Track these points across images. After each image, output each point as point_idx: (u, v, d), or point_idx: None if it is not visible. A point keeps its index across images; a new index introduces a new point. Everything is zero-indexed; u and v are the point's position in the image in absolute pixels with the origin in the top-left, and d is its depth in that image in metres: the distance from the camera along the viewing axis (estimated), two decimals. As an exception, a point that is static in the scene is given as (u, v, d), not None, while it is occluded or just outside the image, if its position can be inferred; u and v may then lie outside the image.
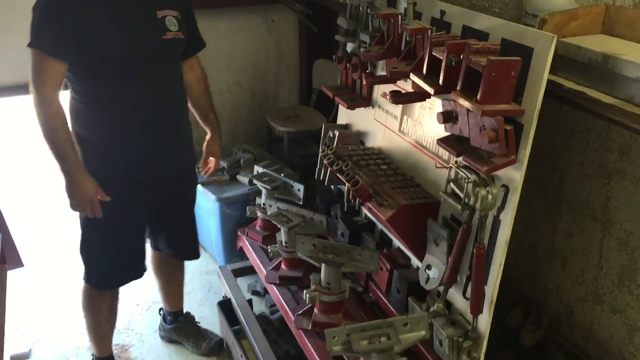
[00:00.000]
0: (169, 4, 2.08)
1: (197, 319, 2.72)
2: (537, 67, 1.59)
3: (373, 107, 2.41)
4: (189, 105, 2.35)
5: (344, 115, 2.65)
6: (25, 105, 2.18)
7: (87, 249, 2.24)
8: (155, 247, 2.50)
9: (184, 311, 2.72)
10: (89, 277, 2.28)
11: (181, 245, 2.49)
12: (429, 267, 1.99)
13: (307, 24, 3.28)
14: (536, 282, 2.26)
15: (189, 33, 2.19)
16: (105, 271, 2.27)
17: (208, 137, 2.51)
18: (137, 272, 2.33)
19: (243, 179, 2.97)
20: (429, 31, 1.88)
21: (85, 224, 2.21)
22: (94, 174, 2.08)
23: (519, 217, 2.24)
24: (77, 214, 2.16)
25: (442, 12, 1.97)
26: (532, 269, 2.27)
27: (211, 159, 2.52)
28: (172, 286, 2.64)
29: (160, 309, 2.72)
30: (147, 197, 2.22)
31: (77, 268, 2.31)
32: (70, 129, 2.07)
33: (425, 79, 1.84)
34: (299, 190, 2.68)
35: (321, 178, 2.49)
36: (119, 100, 2.04)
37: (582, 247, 2.03)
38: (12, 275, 2.19)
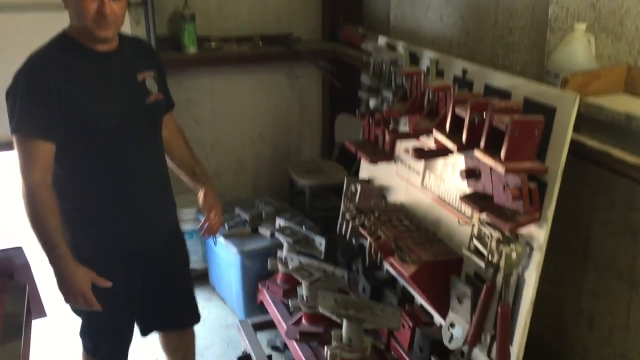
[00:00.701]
0: (146, 65, 2.03)
1: (215, 374, 2.68)
2: (560, 126, 1.60)
3: (395, 162, 2.43)
4: (173, 165, 2.24)
5: (367, 169, 2.67)
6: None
7: (92, 330, 2.13)
8: (160, 328, 2.34)
9: None
10: (95, 353, 2.16)
11: (184, 312, 2.34)
12: (452, 325, 1.96)
13: (331, 80, 3.35)
14: (562, 342, 2.20)
15: (165, 91, 2.12)
16: (115, 349, 2.17)
17: (200, 193, 2.21)
18: (127, 355, 2.22)
19: (265, 231, 2.99)
20: (452, 89, 1.91)
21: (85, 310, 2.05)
22: (91, 250, 1.97)
23: (544, 275, 2.22)
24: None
25: (464, 71, 2.01)
26: (558, 329, 2.22)
27: (212, 213, 2.22)
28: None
29: None
30: (144, 266, 2.11)
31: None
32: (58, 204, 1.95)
33: (448, 136, 1.86)
34: (320, 244, 2.68)
35: (343, 232, 2.50)
36: (108, 171, 1.96)
37: (609, 308, 1.99)
38: (34, 324, 2.20)
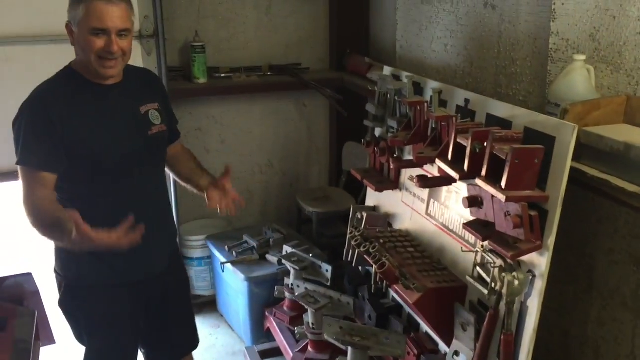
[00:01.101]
0: (149, 98, 2.04)
1: (222, 402, 2.68)
2: (559, 155, 1.62)
3: (401, 190, 2.45)
4: (180, 181, 2.26)
5: (373, 197, 2.70)
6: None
7: (94, 356, 2.11)
8: (161, 356, 2.31)
9: None
10: None
11: (185, 339, 2.33)
12: (456, 353, 1.96)
13: (338, 109, 3.40)
14: (569, 372, 2.20)
15: (169, 122, 2.12)
16: None
17: (209, 181, 2.21)
18: None
19: (272, 258, 3.01)
20: (454, 119, 1.95)
21: (90, 335, 2.08)
22: (93, 282, 1.99)
23: (549, 303, 2.22)
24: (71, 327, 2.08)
25: (467, 101, 2.05)
26: (564, 357, 2.21)
27: (227, 188, 2.18)
28: None
29: None
30: (145, 295, 2.11)
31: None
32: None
33: (450, 164, 1.89)
34: (327, 271, 2.69)
35: (349, 259, 2.52)
36: (110, 202, 1.95)
37: (615, 336, 1.99)
38: (42, 351, 2.23)
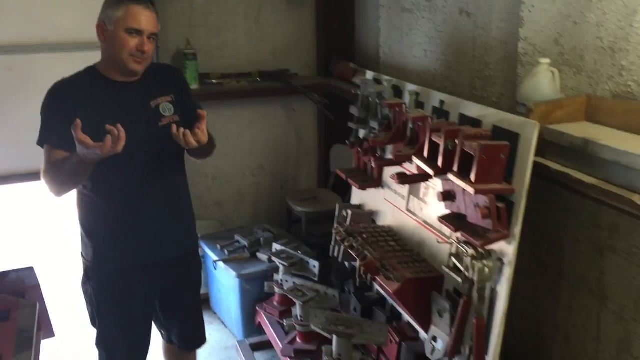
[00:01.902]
0: (162, 92, 2.17)
1: (215, 394, 2.80)
2: (523, 151, 1.76)
3: (383, 188, 2.58)
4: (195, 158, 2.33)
5: (357, 195, 2.83)
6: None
7: (106, 340, 2.28)
8: (168, 340, 2.49)
9: None
10: None
11: (191, 335, 2.48)
12: (434, 338, 2.09)
13: (325, 113, 3.53)
14: (542, 357, 2.32)
15: (187, 112, 2.18)
16: (126, 357, 2.30)
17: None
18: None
19: (263, 256, 3.13)
20: (429, 119, 2.08)
21: (100, 316, 2.24)
22: (106, 263, 2.17)
23: (523, 293, 2.36)
24: (87, 312, 2.27)
25: (442, 102, 2.18)
26: (537, 344, 2.34)
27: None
28: None
29: None
30: (157, 280, 2.26)
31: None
32: (79, 222, 2.19)
33: (426, 161, 2.02)
34: (314, 266, 2.82)
35: (335, 255, 2.64)
36: (122, 189, 2.12)
37: (582, 322, 2.11)
38: (43, 344, 2.33)
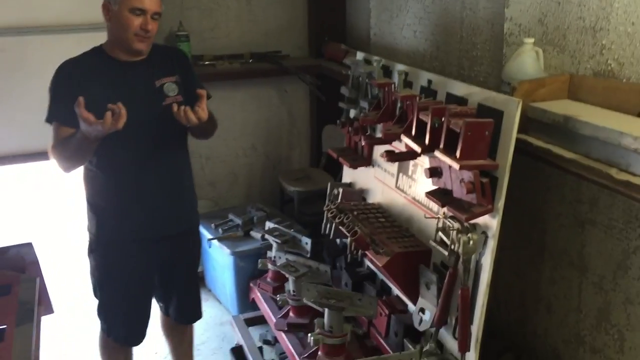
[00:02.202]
0: (167, 72, 2.25)
1: (210, 366, 2.88)
2: (507, 127, 1.82)
3: (373, 166, 2.65)
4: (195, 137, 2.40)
5: (348, 174, 2.89)
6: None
7: (106, 310, 2.39)
8: (165, 313, 2.59)
9: None
10: (109, 332, 2.41)
11: (187, 308, 2.57)
12: (422, 310, 2.16)
13: (317, 94, 3.58)
14: (526, 328, 2.41)
15: (191, 94, 2.20)
16: (126, 329, 2.41)
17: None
18: (144, 333, 2.45)
19: (256, 234, 3.20)
20: (417, 98, 2.14)
21: (101, 287, 2.35)
22: (108, 236, 2.27)
23: (509, 267, 2.44)
24: (91, 281, 2.38)
25: (429, 81, 2.24)
26: (521, 316, 2.43)
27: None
28: (182, 347, 2.72)
29: None
30: (156, 255, 2.35)
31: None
32: (85, 196, 2.29)
33: (414, 139, 2.08)
34: (306, 243, 2.88)
35: (327, 232, 2.71)
36: (126, 165, 2.21)
37: (564, 293, 2.20)
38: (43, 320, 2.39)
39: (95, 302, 2.42)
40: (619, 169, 1.60)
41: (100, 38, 2.26)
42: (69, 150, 2.09)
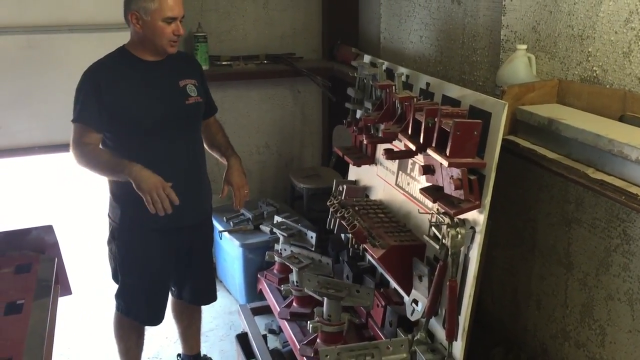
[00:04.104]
0: (188, 75, 2.45)
1: (217, 352, 3.02)
2: (494, 128, 1.93)
3: (376, 164, 2.76)
4: (208, 148, 2.65)
5: (354, 172, 3.01)
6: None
7: (127, 294, 2.54)
8: (178, 296, 2.75)
9: (202, 354, 2.98)
10: (128, 313, 2.57)
11: (203, 291, 2.74)
12: (415, 301, 2.27)
13: (327, 95, 3.71)
14: (517, 323, 2.50)
15: (205, 97, 2.54)
16: (146, 311, 2.57)
17: (228, 168, 2.59)
18: (162, 314, 2.62)
19: (265, 228, 3.33)
20: (414, 99, 2.25)
21: (123, 273, 2.51)
22: (131, 225, 2.43)
23: (501, 264, 2.54)
24: (111, 266, 2.54)
25: (428, 84, 2.35)
26: (513, 311, 2.52)
27: (239, 187, 2.55)
28: (191, 329, 2.88)
29: (179, 355, 2.97)
30: (176, 243, 2.52)
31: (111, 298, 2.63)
32: (108, 186, 2.45)
33: (410, 138, 2.20)
34: (311, 237, 3.01)
35: (331, 227, 2.83)
36: (149, 159, 2.33)
37: (552, 289, 2.29)
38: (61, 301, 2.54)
39: (112, 285, 2.58)
40: (596, 168, 1.70)
41: (121, 37, 2.43)
42: (97, 165, 2.29)
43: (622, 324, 2.00)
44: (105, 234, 2.54)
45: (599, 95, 1.92)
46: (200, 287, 2.72)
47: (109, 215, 2.51)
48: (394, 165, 2.60)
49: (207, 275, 2.75)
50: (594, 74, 1.97)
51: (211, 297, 2.79)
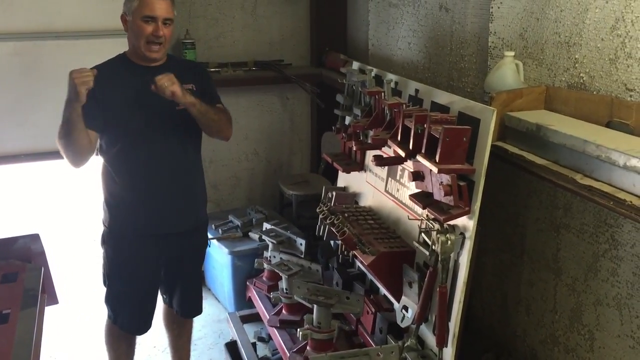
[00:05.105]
0: (185, 80, 2.33)
1: (206, 361, 3.01)
2: (483, 134, 1.94)
3: (365, 171, 2.77)
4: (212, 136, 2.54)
5: (343, 178, 3.01)
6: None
7: (114, 299, 2.53)
8: (169, 304, 2.73)
9: None
10: (115, 320, 2.55)
11: (189, 302, 2.71)
12: (405, 308, 2.27)
13: (316, 101, 3.71)
14: (507, 328, 2.51)
15: (208, 97, 2.44)
16: (132, 318, 2.55)
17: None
18: (149, 323, 2.60)
19: (254, 235, 3.32)
20: (403, 105, 2.26)
21: (110, 277, 2.50)
22: (120, 231, 2.43)
23: (492, 270, 2.55)
24: (102, 271, 2.53)
25: (417, 91, 2.36)
26: (503, 317, 2.53)
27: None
28: (181, 339, 2.85)
29: None
30: (165, 250, 2.49)
31: (101, 308, 2.61)
32: (102, 192, 2.44)
33: (399, 144, 2.20)
34: (300, 244, 3.00)
35: (321, 234, 2.82)
36: (140, 164, 2.35)
37: (541, 295, 2.30)
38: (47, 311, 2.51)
39: (102, 291, 2.56)
40: (584, 174, 1.70)
41: (111, 44, 2.44)
42: (63, 128, 2.21)
43: (610, 328, 2.01)
44: (98, 239, 2.54)
45: (586, 102, 1.93)
46: (186, 298, 2.70)
47: (102, 221, 2.50)
48: (383, 171, 2.60)
49: (194, 286, 2.72)
50: (581, 81, 1.98)
51: (196, 310, 2.76)
